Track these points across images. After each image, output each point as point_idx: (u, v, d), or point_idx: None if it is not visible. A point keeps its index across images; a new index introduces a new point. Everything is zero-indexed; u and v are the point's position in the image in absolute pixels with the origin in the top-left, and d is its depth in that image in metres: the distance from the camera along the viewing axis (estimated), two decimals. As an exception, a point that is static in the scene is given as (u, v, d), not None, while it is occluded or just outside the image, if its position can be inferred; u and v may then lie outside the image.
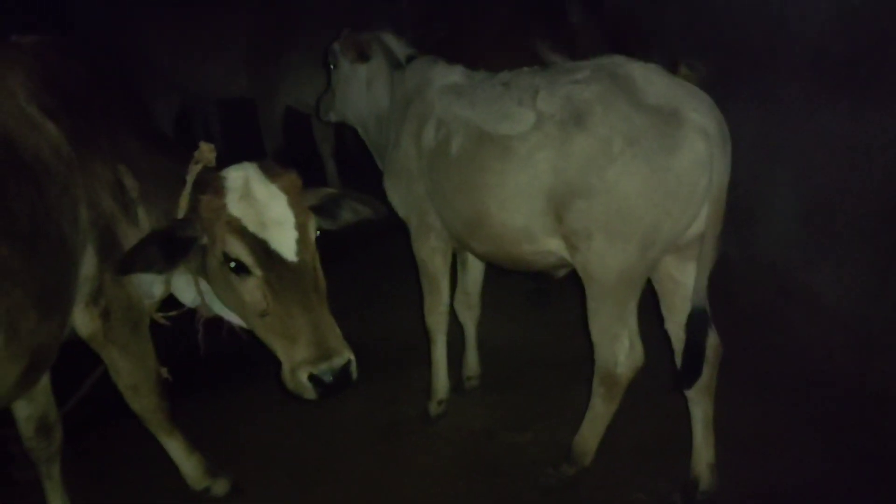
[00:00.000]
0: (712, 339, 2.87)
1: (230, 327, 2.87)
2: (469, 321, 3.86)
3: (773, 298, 4.13)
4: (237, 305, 2.53)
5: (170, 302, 2.93)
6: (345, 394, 3.84)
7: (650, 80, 2.66)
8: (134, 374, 2.79)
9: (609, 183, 2.59)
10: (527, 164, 2.76)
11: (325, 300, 2.50)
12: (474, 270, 3.72)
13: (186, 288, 2.85)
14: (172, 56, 6.22)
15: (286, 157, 6.35)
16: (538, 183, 2.75)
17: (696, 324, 2.72)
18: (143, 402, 2.86)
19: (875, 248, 3.53)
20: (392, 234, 4.11)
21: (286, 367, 2.44)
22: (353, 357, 2.43)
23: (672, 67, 3.39)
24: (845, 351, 3.69)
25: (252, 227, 2.38)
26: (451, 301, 3.62)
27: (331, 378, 2.37)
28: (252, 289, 2.41)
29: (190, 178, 2.59)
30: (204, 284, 2.72)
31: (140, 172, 2.66)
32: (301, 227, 2.45)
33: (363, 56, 3.58)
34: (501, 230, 2.92)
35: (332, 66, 3.76)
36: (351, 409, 3.76)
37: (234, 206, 2.39)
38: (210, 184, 2.45)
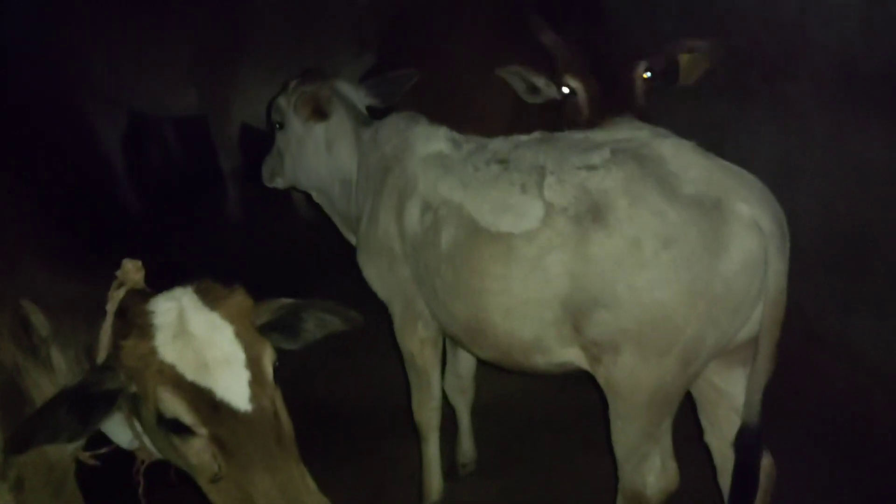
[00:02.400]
0: (766, 462, 2.44)
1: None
2: (462, 405, 3.40)
3: (803, 346, 3.67)
4: (185, 466, 2.03)
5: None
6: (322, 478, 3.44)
7: (685, 161, 2.19)
8: None
9: (640, 292, 2.14)
10: (536, 268, 2.28)
11: (294, 450, 1.99)
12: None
13: (121, 429, 2.34)
14: (114, 72, 5.65)
15: (244, 178, 5.88)
16: (551, 290, 2.28)
17: (747, 444, 2.29)
18: None
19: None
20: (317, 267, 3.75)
21: None
22: None
23: (672, 60, 2.94)
24: (888, 408, 3.27)
25: (190, 373, 1.87)
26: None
27: None
28: (198, 451, 1.90)
29: (111, 307, 2.07)
30: (140, 427, 2.23)
31: (51, 307, 2.15)
32: (254, 364, 1.93)
33: (321, 113, 3.03)
34: (508, 340, 2.46)
35: (277, 126, 3.19)
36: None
37: (166, 349, 1.88)
38: (134, 321, 1.94)
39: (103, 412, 1.93)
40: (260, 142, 5.94)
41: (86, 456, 2.40)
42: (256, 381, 1.92)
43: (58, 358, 2.16)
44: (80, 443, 2.37)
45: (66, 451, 2.28)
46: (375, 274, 2.89)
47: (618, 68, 3.01)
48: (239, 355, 1.92)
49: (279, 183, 3.36)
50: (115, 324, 2.04)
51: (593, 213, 2.18)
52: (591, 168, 2.23)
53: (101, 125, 6.18)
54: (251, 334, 1.98)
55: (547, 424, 3.71)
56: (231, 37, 5.36)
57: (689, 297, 2.11)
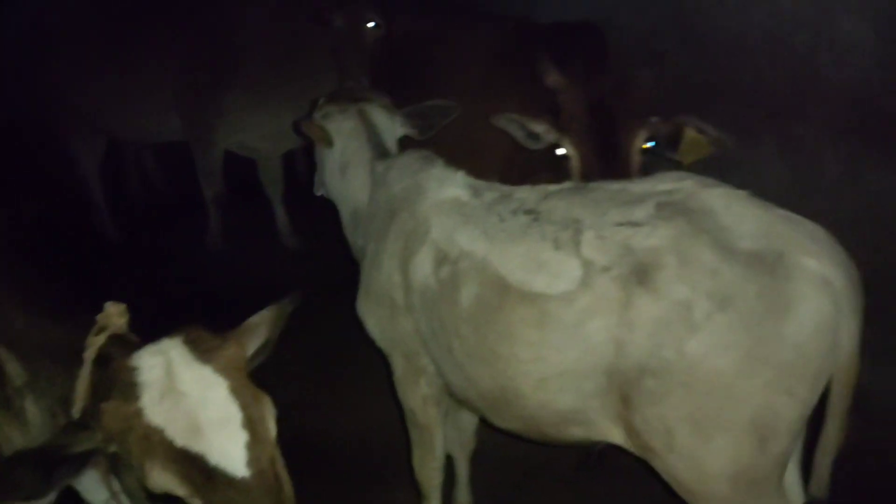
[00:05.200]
0: None
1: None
2: (461, 457, 3.20)
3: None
4: None
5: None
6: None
7: (739, 213, 1.99)
8: None
9: (692, 358, 1.92)
10: (575, 335, 2.07)
11: None
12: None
13: (96, 488, 2.15)
14: (95, 98, 5.53)
15: (227, 204, 5.71)
16: (593, 359, 2.06)
17: None
18: None
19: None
20: (343, 296, 3.37)
21: None
22: None
23: (675, 131, 2.75)
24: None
25: (181, 438, 1.68)
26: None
27: None
28: None
29: (89, 355, 1.88)
30: (118, 485, 2.03)
31: (27, 354, 1.97)
32: (252, 423, 1.75)
33: (325, 142, 2.89)
34: (539, 413, 2.24)
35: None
36: None
37: (153, 411, 1.70)
38: (117, 379, 1.75)
39: (72, 473, 1.73)
40: (244, 169, 5.86)
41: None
42: (255, 442, 1.74)
43: (32, 410, 1.99)
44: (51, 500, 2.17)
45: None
46: (375, 323, 2.68)
47: (619, 134, 2.82)
48: (235, 414, 1.74)
49: (323, 192, 3.19)
50: (94, 373, 1.85)
51: (639, 275, 1.98)
52: (635, 225, 2.04)
53: (83, 153, 6.08)
54: (248, 388, 1.80)
55: (547, 472, 3.51)
56: (216, 65, 5.22)
57: (751, 364, 1.91)
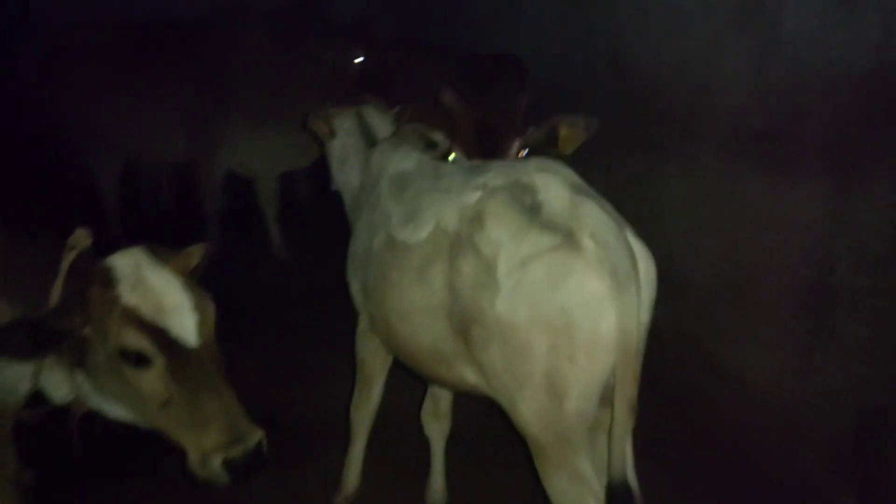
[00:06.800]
0: None
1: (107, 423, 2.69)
2: (437, 434, 3.39)
3: (704, 377, 4.00)
4: (131, 398, 2.41)
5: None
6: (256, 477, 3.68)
7: (554, 193, 2.26)
8: None
9: (498, 314, 2.20)
10: (421, 277, 2.45)
11: (227, 379, 2.41)
12: None
13: (58, 384, 2.67)
14: (113, 121, 6.12)
15: (226, 220, 6.33)
16: (435, 300, 2.41)
17: (616, 501, 2.21)
18: None
19: (796, 329, 3.41)
20: (327, 305, 3.97)
21: (195, 456, 2.32)
22: (263, 435, 2.37)
23: (552, 132, 3.23)
24: (769, 434, 3.56)
25: (150, 315, 2.29)
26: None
27: (245, 460, 2.29)
28: (153, 380, 2.31)
29: (63, 266, 2.43)
30: (81, 377, 2.56)
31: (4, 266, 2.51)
32: (200, 309, 2.37)
33: (329, 132, 3.41)
34: (410, 346, 2.64)
35: None
36: (259, 496, 3.47)
37: (129, 296, 2.29)
38: (96, 274, 2.34)
39: (52, 346, 2.29)
40: (243, 188, 6.49)
41: (25, 414, 2.73)
42: (202, 323, 2.36)
43: (5, 311, 2.50)
44: (20, 400, 2.70)
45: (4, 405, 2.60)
46: (353, 284, 3.10)
47: (498, 143, 3.31)
48: (188, 302, 2.35)
49: (333, 187, 3.57)
50: (66, 281, 2.41)
51: (466, 231, 2.32)
52: (477, 188, 2.42)
53: (101, 172, 6.61)
54: (196, 287, 2.43)
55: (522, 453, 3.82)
56: (219, 93, 5.83)
57: (537, 326, 2.13)
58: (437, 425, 3.38)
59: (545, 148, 3.28)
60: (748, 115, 3.63)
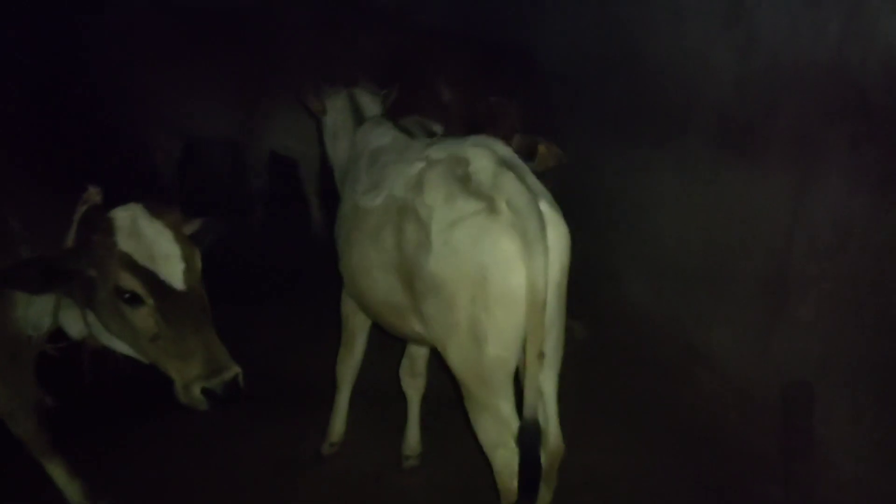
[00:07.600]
0: (552, 448, 2.68)
1: (116, 359, 3.09)
2: (413, 391, 3.67)
3: (679, 354, 4.18)
4: (128, 333, 2.75)
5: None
6: (251, 428, 4.02)
7: (481, 163, 2.56)
8: (10, 402, 3.04)
9: (431, 269, 2.52)
10: (376, 237, 2.78)
11: (211, 321, 2.74)
12: None
13: (74, 321, 3.08)
14: (173, 102, 6.55)
15: (271, 197, 6.79)
16: (387, 258, 2.74)
17: (526, 439, 2.46)
18: (20, 427, 3.10)
19: (758, 310, 3.57)
20: (321, 276, 4.19)
21: (179, 384, 2.67)
22: (240, 371, 2.67)
23: (532, 146, 3.40)
24: (731, 409, 3.74)
25: (142, 261, 2.64)
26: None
27: (222, 390, 2.62)
28: (144, 316, 2.65)
29: (76, 218, 2.81)
30: (91, 317, 2.92)
31: (28, 214, 2.91)
32: (187, 259, 2.70)
33: (322, 109, 3.70)
34: (369, 298, 2.96)
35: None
36: (253, 444, 3.86)
37: (125, 243, 2.64)
38: (100, 224, 2.69)
39: (62, 282, 2.67)
40: (285, 166, 6.91)
41: (49, 347, 3.17)
42: (188, 271, 2.69)
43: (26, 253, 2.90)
44: (44, 334, 3.13)
45: (25, 333, 3.03)
46: (338, 247, 3.30)
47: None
48: (176, 252, 2.69)
49: (328, 162, 3.84)
50: (78, 228, 2.78)
51: (410, 198, 2.64)
52: (420, 162, 2.72)
53: (162, 151, 7.09)
54: (184, 239, 2.76)
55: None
56: (267, 74, 6.27)
57: (460, 279, 2.44)
58: (413, 382, 3.66)
59: (523, 158, 3.51)
60: (729, 106, 3.78)
